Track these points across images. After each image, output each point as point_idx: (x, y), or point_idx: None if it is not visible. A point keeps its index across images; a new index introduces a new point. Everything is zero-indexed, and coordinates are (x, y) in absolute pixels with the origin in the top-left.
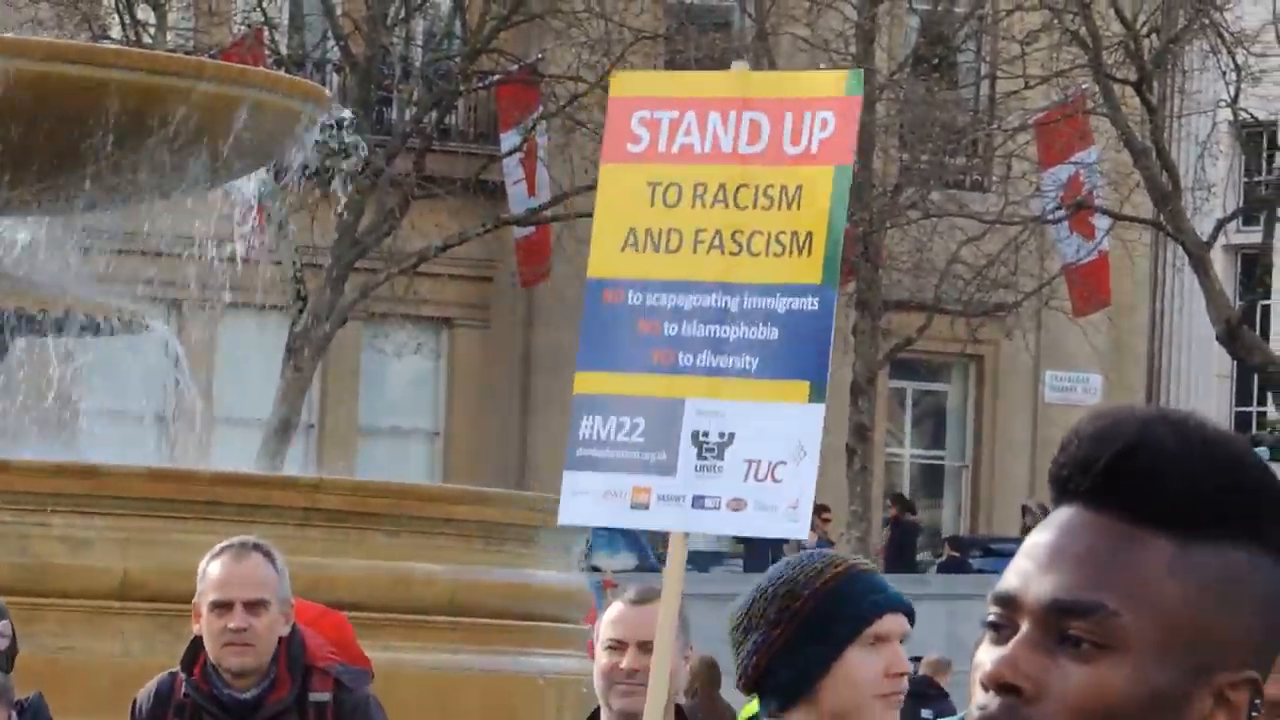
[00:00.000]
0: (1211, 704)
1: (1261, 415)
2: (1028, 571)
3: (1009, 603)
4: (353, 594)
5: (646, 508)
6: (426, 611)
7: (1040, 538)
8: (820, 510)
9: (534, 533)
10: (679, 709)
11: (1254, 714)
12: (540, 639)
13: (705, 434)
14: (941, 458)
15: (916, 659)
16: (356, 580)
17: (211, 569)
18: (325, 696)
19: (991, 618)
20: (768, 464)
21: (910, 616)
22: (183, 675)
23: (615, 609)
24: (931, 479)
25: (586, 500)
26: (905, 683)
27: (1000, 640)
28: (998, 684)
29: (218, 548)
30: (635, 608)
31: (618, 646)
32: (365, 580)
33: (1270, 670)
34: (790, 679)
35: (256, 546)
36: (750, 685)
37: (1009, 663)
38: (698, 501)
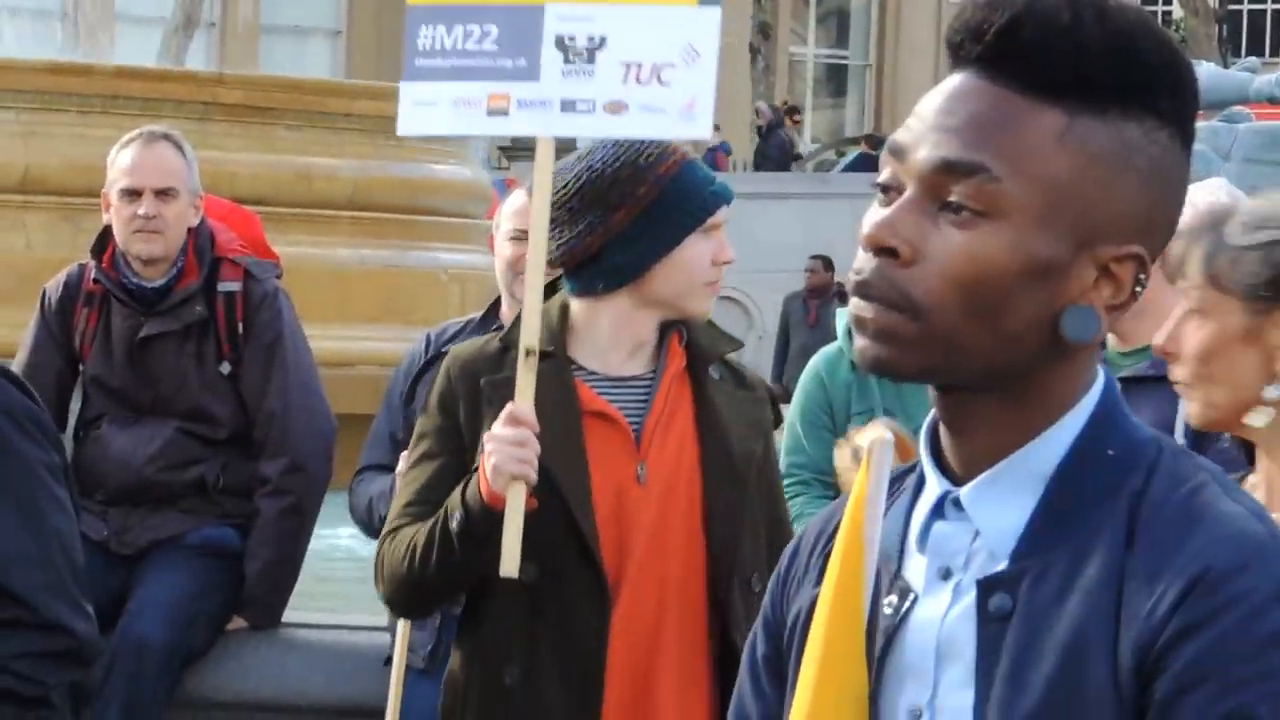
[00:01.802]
0: (1095, 276)
1: None
2: (917, 130)
3: (899, 154)
4: (254, 189)
5: (506, 114)
6: (328, 206)
7: (932, 101)
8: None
9: None
10: None
11: (1138, 289)
12: (442, 234)
13: (571, 38)
14: (845, 57)
15: (820, 258)
16: (258, 175)
17: (121, 157)
18: (234, 286)
19: (882, 177)
20: (651, 66)
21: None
22: (92, 264)
23: (518, 199)
24: (835, 78)
25: (434, 110)
26: (723, 272)
27: (887, 203)
28: (876, 246)
29: (127, 136)
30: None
31: (522, 236)
32: (267, 175)
33: (1164, 246)
34: (625, 263)
35: (166, 136)
36: (572, 264)
37: (888, 225)
38: (567, 105)
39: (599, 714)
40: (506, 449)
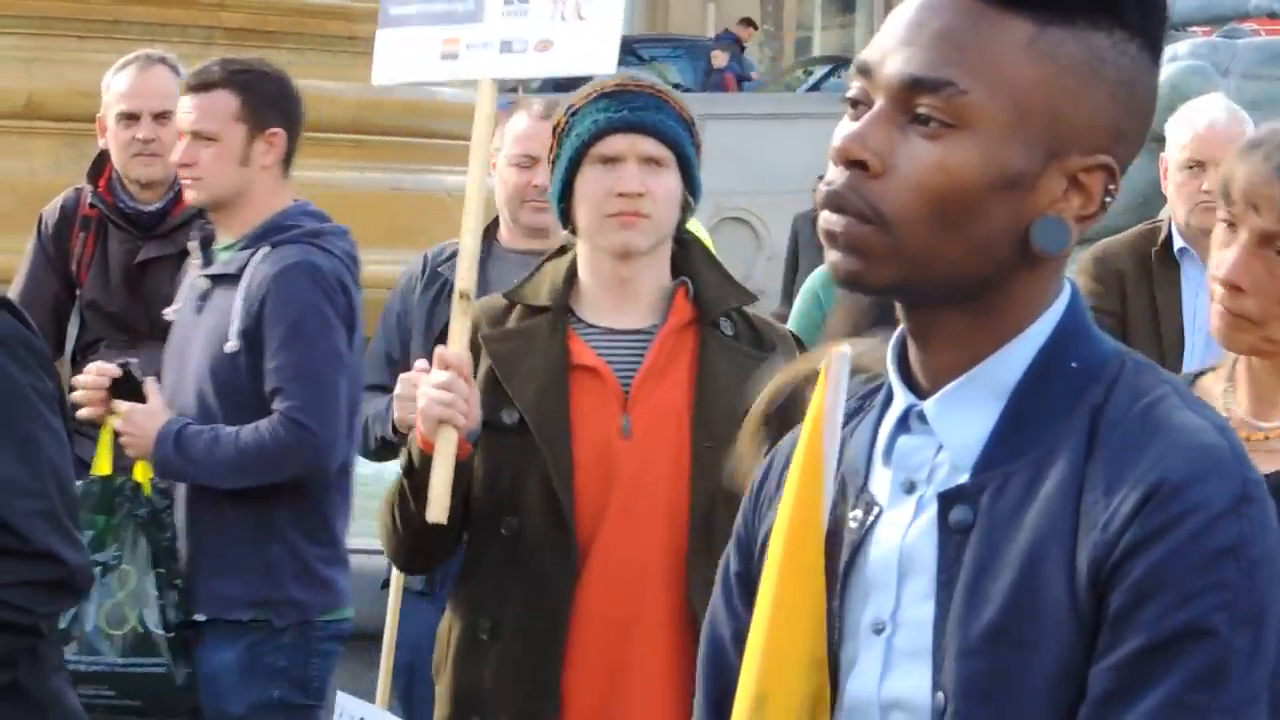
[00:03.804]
0: (1064, 187)
1: None
2: (886, 46)
3: (867, 73)
4: None
5: (456, 57)
6: (331, 130)
7: (902, 15)
8: (748, 23)
9: None
10: None
11: (1107, 199)
12: (445, 156)
13: None
14: None
15: None
16: None
17: (117, 81)
18: None
19: (851, 93)
20: (574, 3)
21: (665, 138)
22: (88, 189)
23: (522, 124)
24: None
25: (400, 58)
26: (638, 204)
27: (856, 117)
28: (846, 159)
29: (123, 60)
30: (544, 123)
31: (528, 163)
32: None
33: (1131, 158)
34: (556, 203)
35: (162, 59)
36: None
37: (857, 137)
38: (505, 46)
39: (559, 673)
40: (431, 392)
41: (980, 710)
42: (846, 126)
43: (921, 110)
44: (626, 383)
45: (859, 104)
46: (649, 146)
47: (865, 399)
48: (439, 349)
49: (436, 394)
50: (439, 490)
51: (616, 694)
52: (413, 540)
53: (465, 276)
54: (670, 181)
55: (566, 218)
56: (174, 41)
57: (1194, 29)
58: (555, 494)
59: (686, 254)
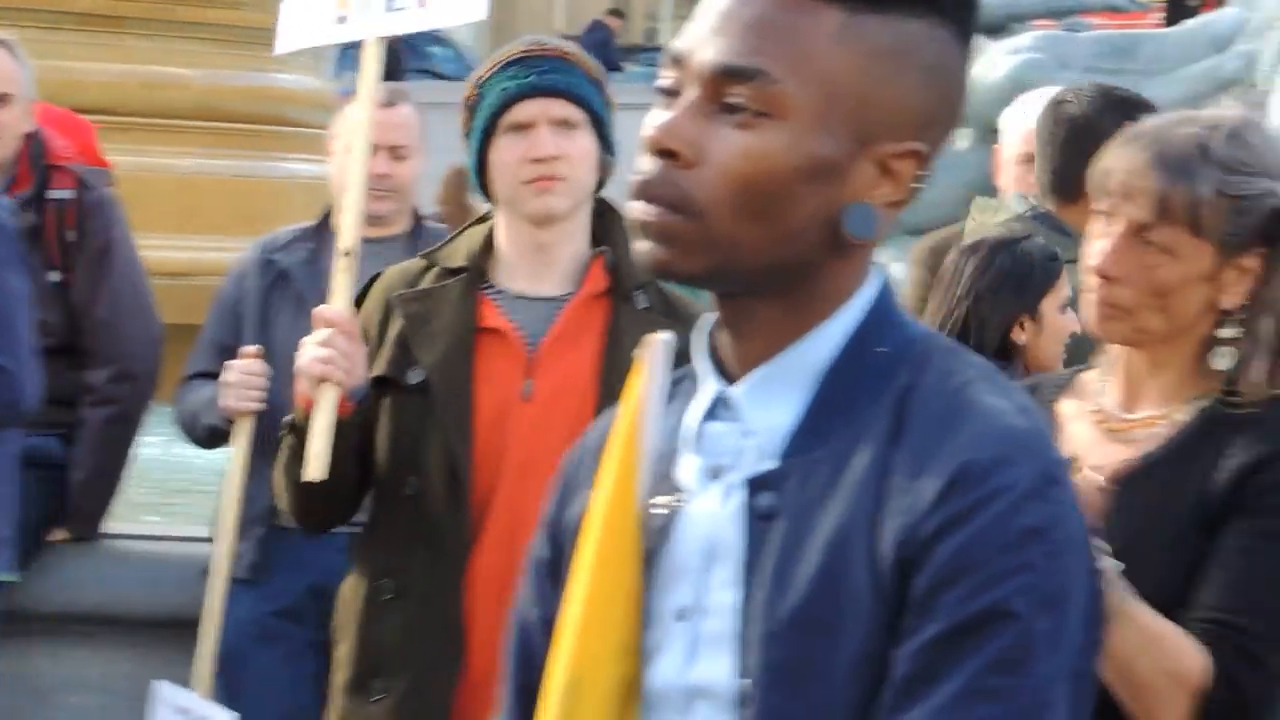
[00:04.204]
0: (875, 173)
1: None
2: (698, 35)
3: (679, 62)
4: (103, 98)
5: (345, 20)
6: (177, 116)
7: (715, 3)
8: (616, 14)
9: None
10: (421, 217)
11: (917, 185)
12: (290, 144)
13: None
14: None
15: None
16: (107, 84)
17: None
18: (66, 194)
19: (664, 82)
20: None
21: (575, 99)
22: None
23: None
24: None
25: (299, 26)
26: (554, 167)
27: (669, 107)
28: (657, 149)
29: None
30: (383, 111)
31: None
32: (116, 84)
33: (942, 144)
34: (475, 176)
35: (2, 41)
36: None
37: (668, 128)
38: (389, 4)
39: (461, 634)
40: (310, 349)
41: (784, 696)
42: (658, 116)
43: (733, 100)
44: (535, 348)
45: (671, 94)
46: (559, 109)
47: (674, 385)
48: (318, 308)
49: (315, 351)
50: (318, 448)
51: None
52: (304, 499)
53: (349, 234)
54: (585, 142)
55: (485, 190)
56: (22, 25)
57: (1038, 22)
58: (450, 454)
59: (607, 225)
